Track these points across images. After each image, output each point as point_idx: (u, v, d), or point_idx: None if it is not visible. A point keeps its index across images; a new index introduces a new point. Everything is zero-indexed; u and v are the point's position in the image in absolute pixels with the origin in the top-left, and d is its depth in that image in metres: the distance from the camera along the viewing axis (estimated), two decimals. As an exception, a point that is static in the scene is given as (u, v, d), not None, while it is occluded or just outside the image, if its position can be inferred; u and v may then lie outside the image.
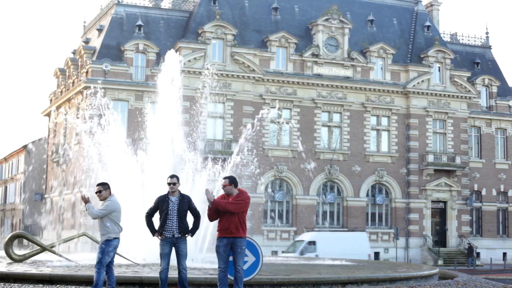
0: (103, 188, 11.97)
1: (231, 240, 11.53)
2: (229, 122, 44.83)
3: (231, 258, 11.63)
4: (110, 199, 11.95)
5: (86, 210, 11.85)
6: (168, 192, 11.94)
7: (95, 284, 11.54)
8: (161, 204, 11.86)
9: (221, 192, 11.95)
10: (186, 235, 11.85)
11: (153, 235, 11.85)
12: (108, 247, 11.70)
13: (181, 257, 11.78)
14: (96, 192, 11.96)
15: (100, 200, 11.96)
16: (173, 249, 11.84)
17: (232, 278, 11.66)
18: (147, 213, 12.00)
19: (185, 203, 11.89)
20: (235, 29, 45.74)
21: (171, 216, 11.75)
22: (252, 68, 45.27)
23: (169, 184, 11.92)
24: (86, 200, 11.81)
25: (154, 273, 14.52)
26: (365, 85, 48.09)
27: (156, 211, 11.94)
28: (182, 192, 12.12)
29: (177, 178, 12.05)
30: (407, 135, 49.01)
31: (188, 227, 11.90)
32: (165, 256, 11.75)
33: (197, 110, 40.34)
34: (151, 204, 12.12)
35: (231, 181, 11.75)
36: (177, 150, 22.16)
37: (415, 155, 48.93)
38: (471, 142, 52.20)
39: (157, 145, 21.78)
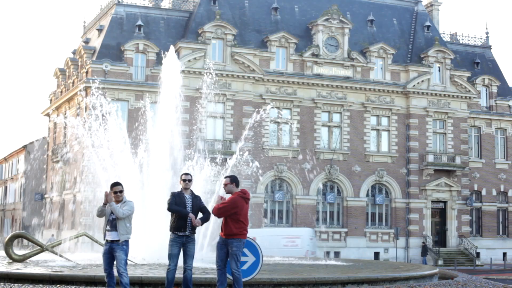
0: (123, 189, 11.76)
1: (223, 240, 11.64)
2: (229, 122, 44.83)
3: None
4: (129, 200, 11.84)
5: (110, 208, 11.48)
6: (181, 189, 11.98)
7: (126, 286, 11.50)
8: (178, 199, 11.85)
9: (221, 191, 12.00)
10: (197, 225, 11.79)
11: (189, 216, 11.67)
12: (128, 247, 11.65)
13: (188, 257, 11.82)
14: (117, 192, 11.58)
15: (117, 200, 11.62)
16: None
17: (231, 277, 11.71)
18: (170, 203, 11.77)
19: (198, 201, 11.94)
20: (235, 29, 45.74)
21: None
22: (252, 68, 45.27)
23: (184, 180, 11.96)
24: (110, 199, 11.61)
25: (154, 273, 14.53)
26: (365, 85, 48.09)
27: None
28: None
29: (191, 176, 12.13)
30: (407, 135, 49.01)
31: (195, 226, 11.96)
32: (173, 256, 11.77)
33: (197, 110, 40.36)
34: (166, 198, 12.02)
35: (233, 180, 11.78)
36: (177, 150, 22.16)
37: (415, 155, 48.93)
38: (471, 142, 52.19)
39: (157, 145, 21.78)
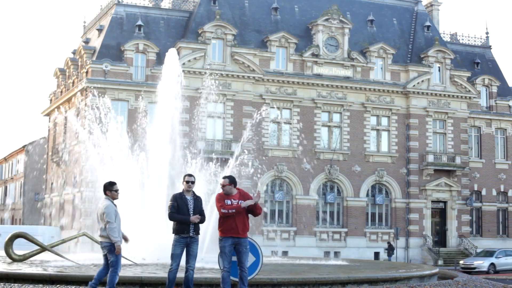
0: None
1: (235, 240, 11.53)
2: (229, 122, 44.82)
3: (234, 258, 11.63)
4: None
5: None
6: (183, 190, 11.96)
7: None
8: (180, 201, 11.83)
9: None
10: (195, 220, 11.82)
11: (191, 221, 11.67)
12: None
13: (191, 257, 11.82)
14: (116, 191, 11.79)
15: (116, 199, 11.78)
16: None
17: (234, 278, 11.68)
18: (171, 211, 11.76)
19: (199, 204, 11.93)
20: (235, 29, 45.73)
21: (190, 215, 11.76)
22: (252, 68, 45.26)
23: (187, 182, 11.94)
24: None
25: (154, 273, 14.53)
26: (365, 85, 48.08)
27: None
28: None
29: (194, 177, 12.11)
30: (407, 135, 49.00)
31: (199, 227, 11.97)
32: (176, 256, 11.77)
33: (197, 110, 40.36)
34: (167, 203, 12.01)
35: (231, 181, 11.75)
36: (177, 150, 22.17)
37: (415, 155, 48.92)
38: (471, 142, 52.18)
39: (156, 146, 21.78)
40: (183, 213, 11.75)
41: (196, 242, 11.89)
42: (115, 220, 11.51)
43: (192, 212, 11.78)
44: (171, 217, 11.77)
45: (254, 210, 11.63)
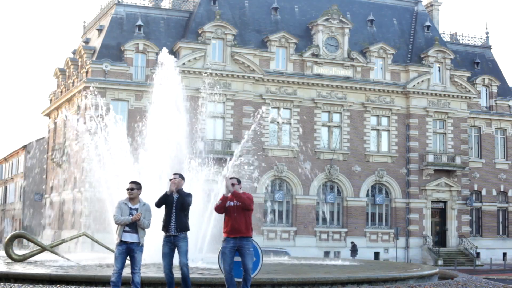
0: (136, 187, 11.82)
1: (238, 242, 11.54)
2: (229, 122, 44.82)
3: (238, 259, 11.64)
4: (145, 202, 11.85)
5: (141, 225, 11.55)
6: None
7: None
8: (165, 198, 11.98)
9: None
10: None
11: (169, 192, 11.90)
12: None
13: (180, 254, 11.87)
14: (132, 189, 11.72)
15: (133, 197, 11.66)
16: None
17: (237, 279, 11.70)
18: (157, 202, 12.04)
19: (180, 199, 11.94)
20: (235, 29, 45.73)
21: (172, 212, 11.83)
22: (252, 68, 45.26)
23: (170, 180, 12.03)
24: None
25: (154, 273, 14.52)
26: (365, 85, 48.08)
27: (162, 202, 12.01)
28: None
29: (180, 176, 12.17)
30: (407, 135, 49.00)
31: (187, 225, 11.96)
32: (164, 255, 11.87)
33: (197, 110, 40.35)
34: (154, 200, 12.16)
35: (239, 181, 11.87)
36: (177, 150, 22.14)
37: (415, 155, 48.92)
38: (471, 142, 52.17)
39: (156, 145, 21.76)
40: (167, 211, 11.87)
41: (182, 239, 11.86)
42: (122, 213, 11.50)
43: (174, 210, 11.83)
44: (155, 204, 11.98)
45: (241, 201, 11.60)
